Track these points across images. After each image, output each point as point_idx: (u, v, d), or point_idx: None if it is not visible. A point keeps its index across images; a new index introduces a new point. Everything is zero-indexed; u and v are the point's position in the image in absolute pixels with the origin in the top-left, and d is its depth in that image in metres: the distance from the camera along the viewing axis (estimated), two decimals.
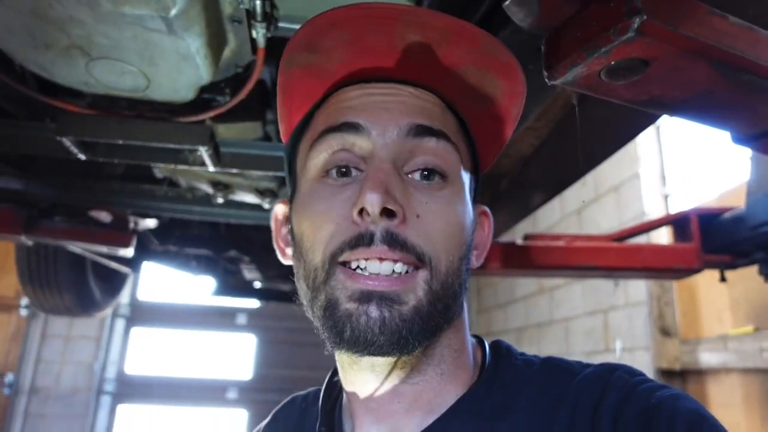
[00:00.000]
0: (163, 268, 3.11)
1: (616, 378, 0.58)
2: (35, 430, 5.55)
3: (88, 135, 1.27)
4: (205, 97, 1.29)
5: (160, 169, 1.94)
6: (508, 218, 2.25)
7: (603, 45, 0.52)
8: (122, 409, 6.00)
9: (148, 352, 6.27)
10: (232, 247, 2.80)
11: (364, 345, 0.54)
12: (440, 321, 0.57)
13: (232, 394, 6.15)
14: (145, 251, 2.77)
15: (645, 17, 0.49)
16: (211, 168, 1.47)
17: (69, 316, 3.68)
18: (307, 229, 0.59)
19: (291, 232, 0.65)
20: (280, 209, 0.74)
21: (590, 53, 0.54)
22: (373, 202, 0.53)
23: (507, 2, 0.55)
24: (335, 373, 0.73)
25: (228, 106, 1.26)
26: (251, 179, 1.85)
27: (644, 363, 3.52)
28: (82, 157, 1.37)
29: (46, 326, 5.78)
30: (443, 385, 0.62)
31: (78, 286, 2.93)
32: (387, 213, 0.54)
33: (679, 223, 2.17)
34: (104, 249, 2.21)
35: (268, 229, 0.81)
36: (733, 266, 2.08)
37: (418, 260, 0.56)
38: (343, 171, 0.60)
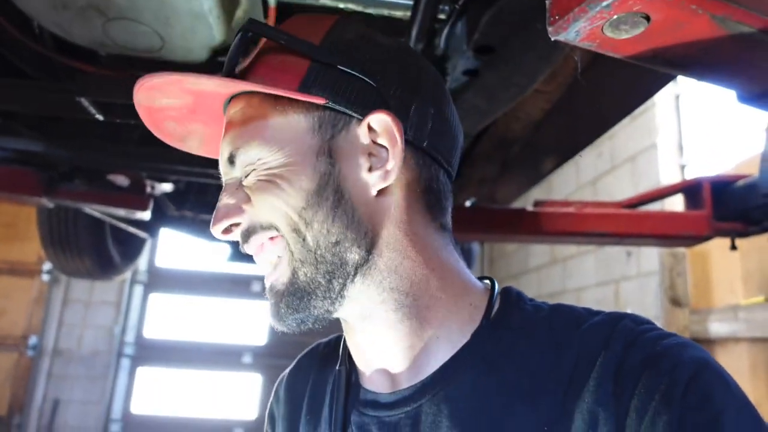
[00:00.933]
0: (179, 234, 3.17)
1: (622, 326, 0.57)
2: (58, 390, 5.75)
3: (105, 95, 1.30)
4: (218, 60, 1.31)
5: None
6: (520, 184, 2.25)
7: None
8: (142, 371, 6.18)
9: (165, 317, 6.41)
10: None
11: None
12: (316, 279, 0.62)
13: (247, 359, 6.28)
14: (161, 217, 2.83)
15: None
16: None
17: (89, 279, 3.79)
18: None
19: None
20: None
21: (592, 7, 0.55)
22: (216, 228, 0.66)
23: None
24: None
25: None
26: None
27: None
28: (100, 117, 1.40)
29: (67, 291, 5.92)
30: (423, 331, 0.63)
31: (98, 250, 3.00)
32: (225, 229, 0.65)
33: (691, 190, 2.16)
34: (122, 212, 2.26)
35: None
36: (745, 234, 2.07)
37: (264, 231, 0.63)
38: None
